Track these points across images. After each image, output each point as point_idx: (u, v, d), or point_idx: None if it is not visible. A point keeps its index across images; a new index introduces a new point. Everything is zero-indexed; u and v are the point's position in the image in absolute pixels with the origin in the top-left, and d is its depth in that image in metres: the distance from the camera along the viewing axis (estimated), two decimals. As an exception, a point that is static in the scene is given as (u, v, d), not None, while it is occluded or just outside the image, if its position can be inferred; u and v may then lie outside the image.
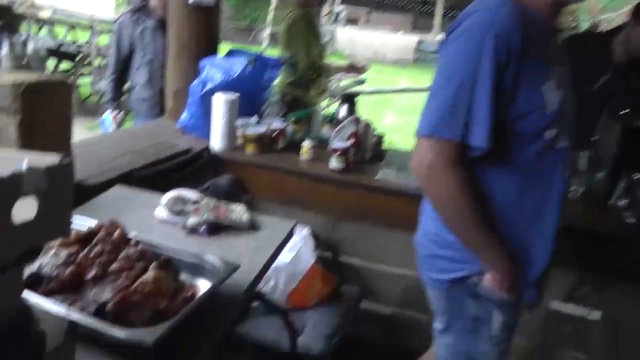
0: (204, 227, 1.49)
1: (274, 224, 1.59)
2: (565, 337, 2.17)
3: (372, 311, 2.45)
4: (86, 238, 1.18)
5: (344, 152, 2.28)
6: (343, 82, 3.38)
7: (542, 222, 1.35)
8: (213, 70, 2.51)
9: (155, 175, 2.06)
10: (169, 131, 2.67)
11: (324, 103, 3.16)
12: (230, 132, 2.51)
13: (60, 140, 1.54)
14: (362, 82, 3.57)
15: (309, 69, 3.05)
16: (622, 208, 1.95)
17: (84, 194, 1.73)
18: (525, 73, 1.24)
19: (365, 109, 3.28)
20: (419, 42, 17.93)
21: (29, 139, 1.41)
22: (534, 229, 1.36)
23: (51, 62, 6.79)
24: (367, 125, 2.47)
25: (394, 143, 3.85)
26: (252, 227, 1.55)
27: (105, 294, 1.07)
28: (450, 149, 1.25)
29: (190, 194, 1.62)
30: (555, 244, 1.37)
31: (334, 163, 2.29)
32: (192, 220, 1.49)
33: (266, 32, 14.27)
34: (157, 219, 1.55)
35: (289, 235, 1.56)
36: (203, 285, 1.22)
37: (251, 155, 2.47)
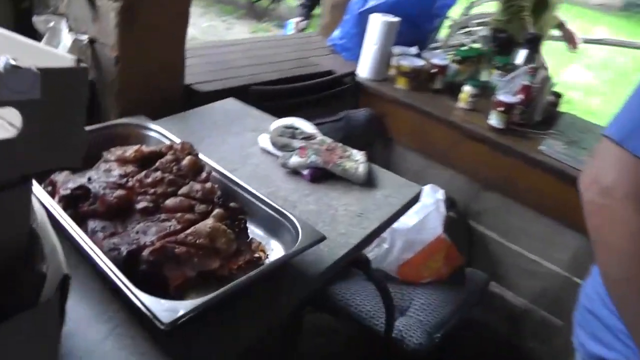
0: (307, 170, 1.20)
1: (395, 186, 1.24)
2: None
3: (499, 297, 2.04)
4: (149, 158, 0.96)
5: (509, 109, 1.81)
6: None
7: None
8: (379, -14, 2.13)
9: (281, 94, 1.81)
10: (316, 47, 2.38)
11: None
12: (383, 59, 2.15)
13: (168, 38, 1.33)
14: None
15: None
16: None
17: (190, 99, 1.53)
18: None
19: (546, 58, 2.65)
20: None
21: (129, 31, 1.22)
22: None
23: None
24: (546, 80, 1.93)
25: (573, 106, 3.14)
26: (368, 183, 1.23)
27: (149, 235, 0.85)
28: None
29: (305, 126, 1.33)
30: None
31: (494, 119, 1.83)
32: (295, 160, 1.20)
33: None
34: (258, 147, 1.29)
35: (410, 203, 1.22)
36: (277, 251, 0.95)
37: (400, 91, 2.09)
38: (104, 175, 0.91)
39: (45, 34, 1.32)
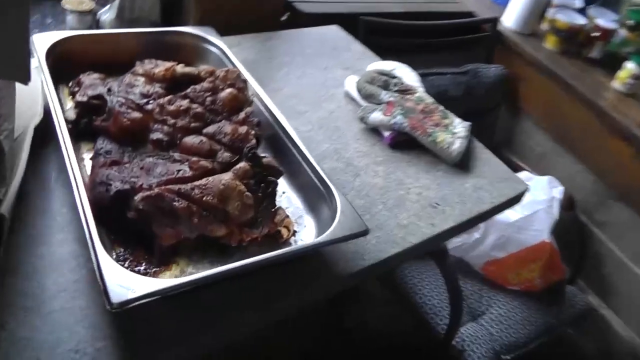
0: (388, 133, 0.96)
1: (494, 177, 0.96)
2: None
3: (604, 321, 1.69)
4: (181, 80, 0.78)
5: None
6: None
7: None
8: None
9: (398, 31, 1.52)
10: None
11: None
12: (536, 9, 1.76)
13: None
14: None
15: None
16: None
17: (289, 19, 1.32)
18: None
19: None
20: None
21: None
22: None
23: None
24: None
25: None
26: (460, 165, 0.96)
27: (151, 175, 0.68)
28: None
29: (407, 75, 1.07)
30: None
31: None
32: (376, 116, 0.96)
33: None
34: (343, 89, 1.06)
35: (506, 204, 0.93)
36: (308, 230, 0.75)
37: (547, 52, 1.71)
38: (125, 90, 0.75)
39: None
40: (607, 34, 1.66)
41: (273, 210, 0.73)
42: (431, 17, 1.64)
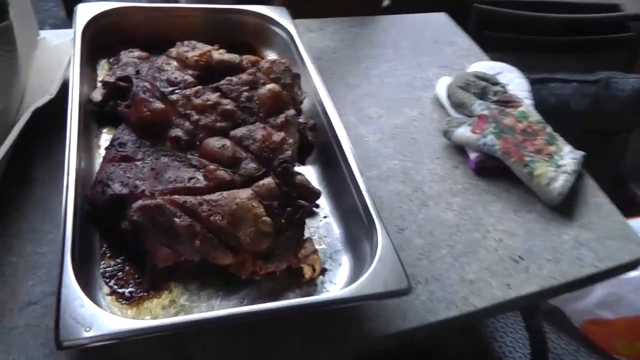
0: (475, 154, 0.77)
1: (607, 232, 0.73)
2: None
3: None
4: (218, 69, 0.65)
5: None
6: None
7: None
8: None
9: (518, 24, 1.28)
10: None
11: None
12: None
13: None
14: None
15: None
16: None
17: (394, 2, 1.14)
18: None
19: None
20: None
21: None
22: None
23: None
24: None
25: None
26: (563, 209, 0.74)
27: (158, 180, 0.57)
28: None
29: (514, 81, 0.86)
30: None
31: None
32: (462, 132, 0.77)
33: None
34: (432, 94, 0.88)
35: (615, 271, 0.71)
36: (343, 272, 0.60)
37: None
38: (153, 74, 0.65)
39: None
40: None
41: (299, 241, 0.59)
42: (561, 8, 1.37)
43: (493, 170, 0.76)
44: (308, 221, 0.64)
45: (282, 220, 0.57)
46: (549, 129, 0.78)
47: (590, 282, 0.69)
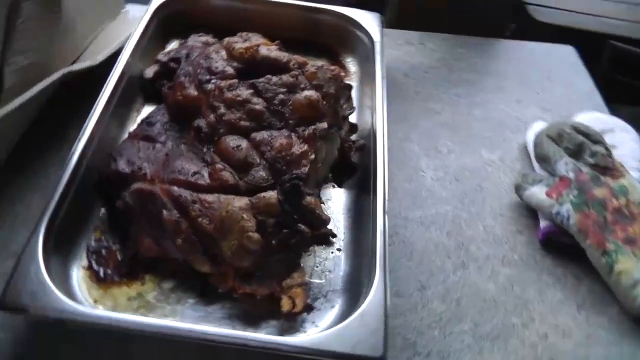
0: (545, 223, 0.63)
1: None
2: None
3: None
4: (263, 64, 0.60)
5: None
6: None
7: None
8: None
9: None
10: None
11: None
12: None
13: None
14: None
15: None
16: None
17: (515, 23, 1.01)
18: None
19: None
20: None
21: None
22: None
23: None
24: None
25: None
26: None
27: (166, 167, 0.55)
28: None
29: (628, 146, 0.70)
30: None
31: None
32: (535, 192, 0.64)
33: None
34: (521, 139, 0.75)
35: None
36: (330, 316, 0.52)
37: None
38: (199, 60, 0.62)
39: None
40: None
41: (288, 269, 0.52)
42: None
43: (563, 248, 0.62)
44: (318, 250, 0.57)
45: (273, 242, 0.51)
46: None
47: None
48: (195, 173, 0.54)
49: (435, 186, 0.68)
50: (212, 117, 0.57)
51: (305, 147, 0.55)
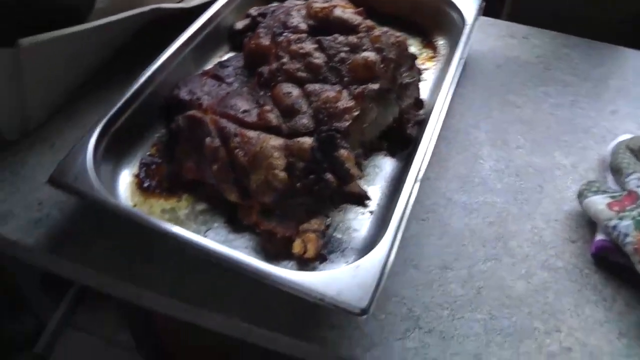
0: (600, 237, 0.57)
1: None
2: None
3: None
4: (336, 25, 0.62)
5: None
6: None
7: None
8: None
9: None
10: None
11: None
12: None
13: None
14: None
15: None
16: None
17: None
18: None
19: None
20: None
21: None
22: None
23: None
24: None
25: None
26: None
27: (223, 101, 0.59)
28: None
29: None
30: None
31: None
32: (596, 200, 0.57)
33: None
34: (603, 151, 0.68)
35: None
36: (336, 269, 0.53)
37: None
38: (279, 15, 0.65)
39: None
40: None
41: (310, 215, 0.54)
42: None
43: (616, 266, 0.56)
44: (351, 209, 0.58)
45: (297, 185, 0.53)
46: None
47: None
48: (245, 111, 0.57)
49: (491, 176, 0.65)
50: (274, 65, 0.60)
51: (352, 103, 0.55)
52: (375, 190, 0.60)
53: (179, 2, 0.70)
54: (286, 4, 0.70)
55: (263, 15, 0.70)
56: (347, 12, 0.62)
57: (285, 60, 0.59)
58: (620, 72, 0.79)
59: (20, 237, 0.55)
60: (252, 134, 0.55)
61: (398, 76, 0.60)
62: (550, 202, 0.63)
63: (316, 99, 0.56)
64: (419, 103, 0.67)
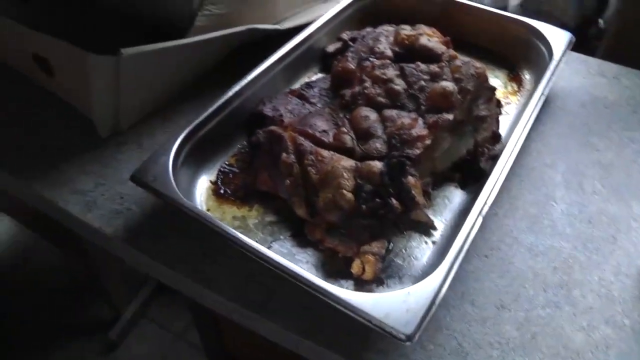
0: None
1: None
2: None
3: None
4: (420, 53, 0.63)
5: None
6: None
7: None
8: None
9: None
10: None
11: None
12: None
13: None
14: None
15: None
16: None
17: None
18: None
19: None
20: None
21: None
22: None
23: None
24: None
25: None
26: None
27: (305, 119, 0.62)
28: None
29: None
30: None
31: None
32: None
33: None
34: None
35: None
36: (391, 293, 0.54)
37: None
38: (368, 41, 0.68)
39: None
40: None
41: (372, 237, 0.55)
42: None
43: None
44: (414, 237, 0.59)
45: (363, 207, 0.54)
46: None
47: None
48: (323, 131, 0.60)
49: (562, 220, 0.63)
50: (357, 88, 0.62)
51: (425, 132, 0.57)
52: (441, 221, 0.61)
53: (275, 24, 0.74)
54: (377, 29, 0.72)
55: (354, 39, 0.72)
56: (432, 41, 0.63)
57: (367, 84, 0.62)
58: None
59: (101, 226, 0.61)
60: (326, 153, 0.57)
61: (474, 108, 0.61)
62: (622, 254, 0.60)
63: (391, 124, 0.58)
64: (496, 137, 0.67)
